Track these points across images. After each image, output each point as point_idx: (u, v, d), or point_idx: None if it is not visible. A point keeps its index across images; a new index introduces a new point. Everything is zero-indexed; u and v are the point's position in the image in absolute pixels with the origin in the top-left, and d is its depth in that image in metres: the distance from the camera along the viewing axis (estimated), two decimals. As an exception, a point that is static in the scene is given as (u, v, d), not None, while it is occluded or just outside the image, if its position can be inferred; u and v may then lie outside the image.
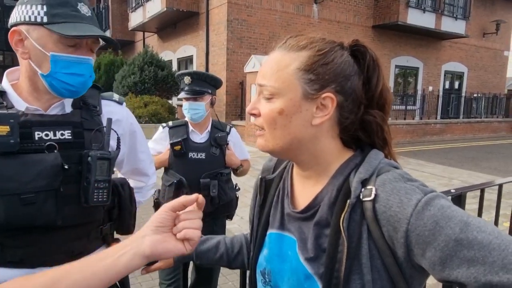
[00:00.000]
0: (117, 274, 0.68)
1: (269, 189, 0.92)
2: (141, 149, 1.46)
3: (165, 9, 12.60)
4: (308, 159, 0.80)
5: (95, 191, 1.10)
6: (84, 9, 1.09)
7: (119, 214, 1.28)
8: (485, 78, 19.08)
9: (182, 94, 2.26)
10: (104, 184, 1.11)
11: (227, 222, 2.47)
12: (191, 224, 0.71)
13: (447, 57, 17.29)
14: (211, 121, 2.37)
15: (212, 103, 2.31)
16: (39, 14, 1.02)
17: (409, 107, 14.62)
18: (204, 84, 2.26)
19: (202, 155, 2.23)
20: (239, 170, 2.39)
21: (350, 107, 0.77)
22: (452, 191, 1.81)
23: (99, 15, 18.62)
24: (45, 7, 1.02)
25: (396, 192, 0.67)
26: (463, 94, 17.55)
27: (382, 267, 0.69)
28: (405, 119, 13.83)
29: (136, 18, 15.42)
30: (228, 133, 2.36)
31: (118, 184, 1.27)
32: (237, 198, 2.44)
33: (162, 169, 2.33)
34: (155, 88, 11.49)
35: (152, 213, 2.61)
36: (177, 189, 2.18)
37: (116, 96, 1.34)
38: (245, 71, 10.73)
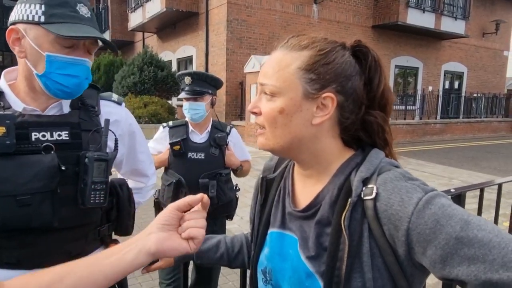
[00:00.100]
0: (123, 271, 0.68)
1: (270, 188, 0.92)
2: (141, 150, 1.45)
3: (165, 9, 12.60)
4: (309, 158, 0.80)
5: (92, 192, 1.09)
6: (83, 10, 1.08)
7: (117, 215, 1.27)
8: (485, 78, 19.09)
9: (182, 94, 2.27)
10: (101, 186, 1.10)
11: (227, 222, 2.47)
12: (196, 223, 0.72)
13: (447, 57, 17.30)
14: (211, 121, 2.38)
15: (212, 104, 2.32)
16: (37, 13, 1.02)
17: (409, 107, 14.63)
18: (204, 84, 2.26)
19: (201, 155, 2.23)
20: (239, 170, 2.38)
21: (351, 107, 0.77)
22: (452, 190, 1.82)
23: (98, 16, 18.62)
24: (43, 6, 1.02)
25: (397, 191, 0.68)
26: (463, 94, 17.56)
27: (383, 265, 0.69)
28: (405, 119, 13.84)
29: (135, 19, 15.43)
30: (228, 134, 2.36)
31: (117, 185, 1.26)
32: (237, 199, 2.44)
33: (163, 169, 2.33)
34: (154, 88, 11.49)
35: (152, 214, 2.62)
36: (176, 189, 2.18)
37: (115, 97, 1.32)
38: (244, 71, 10.73)
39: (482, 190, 2.06)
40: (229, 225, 3.01)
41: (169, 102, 11.83)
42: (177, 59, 15.00)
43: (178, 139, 2.22)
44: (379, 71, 0.79)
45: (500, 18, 17.73)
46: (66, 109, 1.15)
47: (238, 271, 1.49)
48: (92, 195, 1.09)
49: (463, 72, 18.15)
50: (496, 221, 2.24)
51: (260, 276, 0.90)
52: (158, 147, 2.35)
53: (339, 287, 0.70)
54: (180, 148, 2.20)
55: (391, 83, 15.40)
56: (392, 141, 0.83)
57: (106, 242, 1.26)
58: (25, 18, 1.03)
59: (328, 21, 13.34)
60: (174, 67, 14.50)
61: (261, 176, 0.96)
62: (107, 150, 1.17)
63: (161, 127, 2.37)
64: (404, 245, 0.66)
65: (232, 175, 2.43)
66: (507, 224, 2.62)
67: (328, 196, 0.77)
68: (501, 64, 19.77)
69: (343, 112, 0.77)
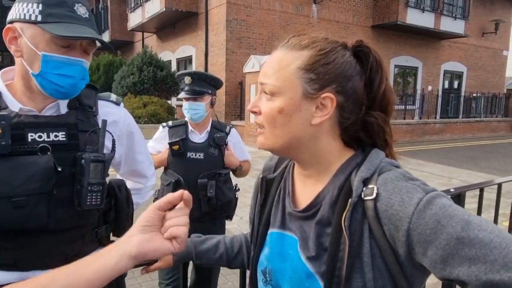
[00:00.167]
0: (106, 277, 0.66)
1: (270, 188, 0.92)
2: (139, 150, 1.43)
3: (164, 9, 12.60)
4: (309, 158, 0.80)
5: (88, 194, 1.07)
6: (81, 10, 1.07)
7: (115, 217, 1.25)
8: (484, 77, 19.11)
9: (182, 94, 2.26)
10: (98, 187, 1.08)
11: (227, 222, 2.47)
12: (177, 221, 0.70)
13: (446, 56, 17.31)
14: (211, 121, 2.37)
15: (212, 104, 2.31)
16: (34, 12, 1.01)
17: (408, 107, 14.65)
18: (204, 84, 2.26)
19: (200, 155, 2.23)
20: (238, 170, 2.38)
21: (351, 107, 0.77)
22: (452, 190, 1.81)
23: (98, 16, 18.62)
24: (40, 5, 1.01)
25: (398, 191, 0.68)
26: (463, 94, 17.58)
27: (383, 265, 0.69)
28: (404, 118, 13.85)
29: (135, 19, 15.42)
30: (227, 134, 2.36)
31: (115, 186, 1.24)
32: (236, 199, 2.44)
33: (162, 169, 2.33)
34: (154, 88, 11.49)
35: (152, 213, 2.56)
36: (175, 189, 2.17)
37: (113, 97, 1.31)
38: (244, 71, 10.73)
39: (481, 190, 2.06)
40: (229, 225, 3.00)
41: (169, 102, 11.83)
42: (177, 59, 15.00)
43: (177, 139, 2.22)
44: (380, 71, 0.79)
45: (500, 18, 17.74)
46: (64, 109, 1.14)
47: (237, 271, 1.48)
48: (88, 197, 1.08)
49: (462, 72, 18.16)
50: (496, 220, 2.24)
51: (260, 276, 0.89)
52: (158, 147, 2.35)
53: (339, 287, 0.69)
54: (179, 148, 2.20)
55: (390, 83, 15.39)
56: (393, 142, 0.83)
57: (104, 243, 1.25)
58: (22, 17, 1.02)
59: (327, 21, 13.34)
60: (173, 67, 14.49)
61: (261, 176, 0.96)
62: (105, 151, 1.15)
63: (160, 127, 2.37)
64: (404, 245, 0.66)
65: (232, 175, 2.42)
66: (506, 223, 2.62)
67: (329, 196, 0.76)
68: (500, 64, 19.78)
69: (343, 112, 0.77)
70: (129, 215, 1.29)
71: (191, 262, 1.15)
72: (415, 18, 14.20)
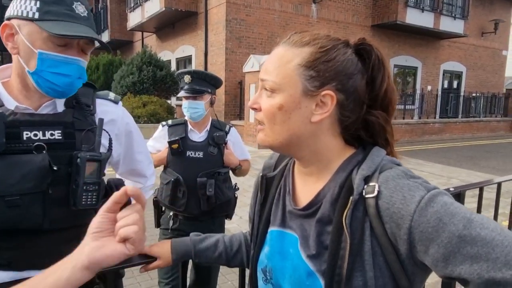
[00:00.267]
0: None
1: (270, 186, 0.92)
2: (138, 150, 1.42)
3: (164, 9, 12.59)
4: (309, 156, 0.80)
5: (84, 193, 1.06)
6: (79, 8, 1.05)
7: None
8: (484, 77, 19.12)
9: (181, 93, 2.26)
10: (93, 187, 1.07)
11: (226, 221, 2.46)
12: (125, 221, 0.67)
13: (446, 56, 17.32)
14: (210, 120, 2.37)
15: (211, 103, 2.31)
16: (31, 9, 1.00)
17: (408, 107, 14.65)
18: (204, 83, 2.26)
19: (200, 154, 2.22)
20: (238, 169, 2.38)
21: (352, 106, 0.76)
22: (451, 189, 1.80)
23: (97, 15, 18.61)
24: (38, 3, 1.00)
25: (399, 189, 0.67)
26: (462, 94, 17.59)
27: (384, 264, 0.69)
28: (404, 118, 13.86)
29: (134, 18, 15.41)
30: (227, 133, 2.36)
31: (113, 185, 1.22)
32: (236, 198, 2.43)
33: (161, 168, 2.33)
34: (153, 88, 11.49)
35: (152, 213, 2.59)
36: (174, 188, 2.18)
37: (111, 95, 1.29)
38: (244, 71, 10.72)
39: (481, 189, 2.06)
40: (228, 224, 3.00)
41: (168, 101, 11.82)
42: (176, 58, 14.99)
43: (177, 138, 2.21)
44: (383, 70, 0.78)
45: (499, 18, 17.76)
46: (60, 108, 1.13)
47: (237, 270, 1.48)
48: (84, 196, 1.06)
49: (462, 72, 18.18)
50: (495, 220, 2.24)
51: (260, 275, 0.89)
52: (157, 146, 2.35)
53: (340, 285, 0.69)
54: (179, 147, 2.19)
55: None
56: (394, 141, 0.82)
57: None
58: (19, 14, 1.01)
59: (327, 20, 13.34)
60: (173, 66, 14.48)
61: (261, 174, 0.95)
62: (102, 150, 1.14)
63: (160, 126, 2.37)
64: (406, 243, 0.65)
65: (231, 174, 2.42)
66: (506, 223, 2.62)
67: (329, 194, 0.76)
68: (500, 64, 19.80)
69: (343, 110, 0.76)
70: None
71: (190, 262, 1.15)
72: (415, 17, 14.21)
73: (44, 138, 1.05)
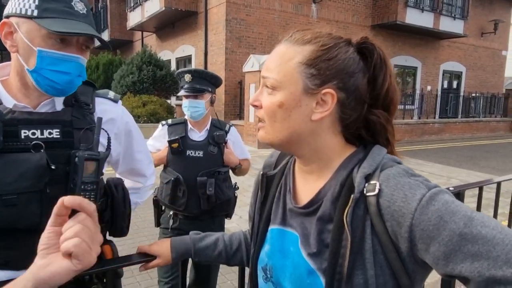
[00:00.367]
0: None
1: (271, 185, 0.92)
2: (138, 149, 1.40)
3: (164, 8, 12.59)
4: (309, 154, 0.80)
5: (82, 193, 1.02)
6: (79, 6, 1.04)
7: (111, 216, 1.22)
8: (483, 77, 19.13)
9: (182, 92, 2.26)
10: (91, 186, 1.03)
11: (226, 221, 2.46)
12: (66, 235, 0.63)
13: (446, 56, 17.33)
14: (210, 119, 2.37)
15: (212, 102, 2.31)
16: (30, 7, 0.99)
17: (407, 107, 14.66)
18: (204, 82, 2.25)
19: (200, 153, 2.22)
20: (238, 169, 2.38)
21: (353, 105, 0.76)
22: (451, 189, 1.81)
23: (97, 15, 18.60)
24: (37, 0, 0.99)
25: (400, 187, 0.67)
26: (462, 94, 17.60)
27: (385, 262, 0.69)
28: (403, 118, 13.87)
29: (134, 18, 15.40)
30: (227, 132, 2.36)
31: (112, 185, 1.22)
32: (235, 197, 2.43)
33: (161, 167, 2.33)
34: (153, 87, 11.49)
35: (152, 212, 2.58)
36: (174, 187, 2.17)
37: (111, 94, 1.28)
38: (243, 71, 10.71)
39: (481, 189, 2.06)
40: (228, 224, 3.00)
41: (168, 101, 11.82)
42: (176, 58, 14.98)
43: (177, 137, 2.21)
44: (385, 69, 0.78)
45: (499, 18, 17.77)
46: (59, 106, 1.12)
47: (236, 270, 1.48)
48: (81, 196, 1.03)
49: (461, 72, 18.19)
50: (495, 219, 2.24)
51: (260, 273, 0.89)
52: (157, 145, 2.35)
53: (341, 284, 0.69)
54: (179, 146, 2.19)
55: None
56: (395, 141, 0.82)
57: None
58: (18, 11, 1.00)
59: (327, 20, 13.34)
60: (173, 66, 14.48)
61: (261, 172, 0.95)
62: (101, 149, 1.13)
63: (160, 125, 2.37)
64: (407, 241, 0.65)
65: (231, 173, 2.42)
66: (505, 223, 2.62)
67: (330, 193, 0.76)
68: (499, 64, 19.81)
69: (344, 109, 0.76)
70: (125, 215, 1.26)
71: (190, 261, 1.15)
72: (414, 18, 14.22)
73: (42, 136, 1.05)
